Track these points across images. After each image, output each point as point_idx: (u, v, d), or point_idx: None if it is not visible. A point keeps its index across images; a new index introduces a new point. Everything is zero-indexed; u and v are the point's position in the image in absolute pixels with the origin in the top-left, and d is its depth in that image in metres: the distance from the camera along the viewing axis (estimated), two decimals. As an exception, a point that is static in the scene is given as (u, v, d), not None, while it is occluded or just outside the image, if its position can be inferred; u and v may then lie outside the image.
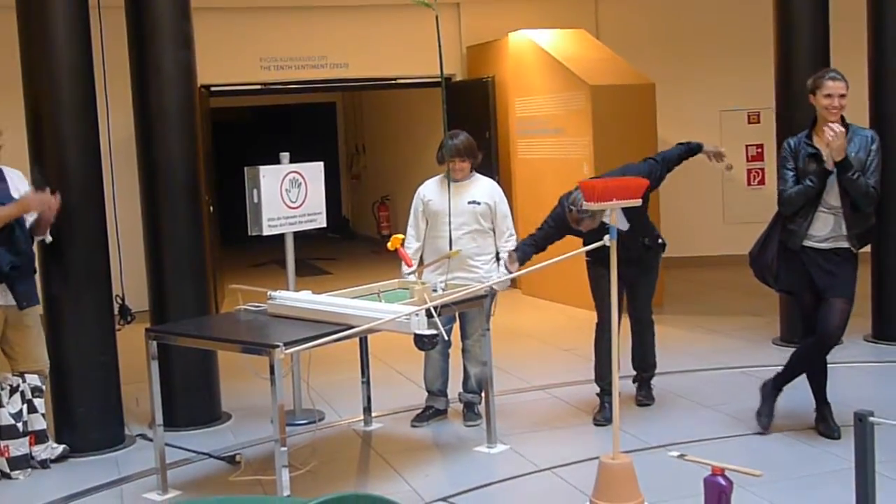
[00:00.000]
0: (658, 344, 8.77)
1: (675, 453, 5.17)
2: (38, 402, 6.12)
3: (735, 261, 12.31)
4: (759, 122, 12.37)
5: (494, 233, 6.58)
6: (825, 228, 5.94)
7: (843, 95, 5.89)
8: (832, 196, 5.91)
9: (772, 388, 6.29)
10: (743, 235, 12.25)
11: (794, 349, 6.62)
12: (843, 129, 5.78)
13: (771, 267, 6.14)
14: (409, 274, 6.29)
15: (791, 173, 5.99)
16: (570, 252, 5.50)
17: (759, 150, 12.50)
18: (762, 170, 12.54)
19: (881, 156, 5.97)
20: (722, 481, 4.55)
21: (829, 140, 5.76)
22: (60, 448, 6.26)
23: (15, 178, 6.20)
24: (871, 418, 4.81)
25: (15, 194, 6.10)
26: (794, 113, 8.25)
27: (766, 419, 6.23)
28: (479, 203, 6.52)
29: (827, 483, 5.31)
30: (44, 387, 6.18)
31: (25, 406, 6.04)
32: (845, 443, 5.38)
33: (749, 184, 12.72)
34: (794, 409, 6.57)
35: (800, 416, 6.42)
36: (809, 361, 6.17)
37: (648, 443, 6.07)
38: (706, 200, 12.66)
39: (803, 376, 6.21)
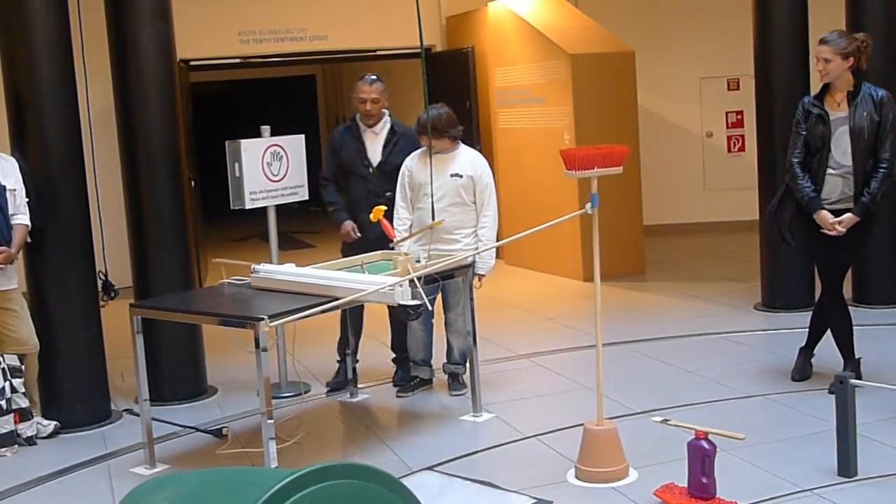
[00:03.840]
0: (640, 311, 8.88)
1: (659, 418, 5.22)
2: (17, 383, 6.11)
3: (716, 228, 12.45)
4: (738, 88, 12.39)
5: (476, 206, 6.57)
6: (834, 192, 6.03)
7: (827, 60, 5.95)
8: (839, 152, 5.99)
9: (803, 349, 6.57)
10: (723, 202, 12.44)
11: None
12: (840, 226, 5.94)
13: (790, 224, 6.19)
14: (398, 243, 6.29)
15: (802, 137, 6.09)
16: (550, 221, 5.51)
17: (739, 116, 12.54)
18: (742, 136, 12.58)
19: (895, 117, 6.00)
20: (705, 445, 4.61)
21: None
22: (52, 425, 6.27)
23: (7, 165, 6.17)
24: (852, 380, 4.89)
25: (3, 181, 6.08)
26: (773, 79, 8.30)
27: (796, 373, 6.50)
28: (461, 176, 6.49)
29: (809, 445, 5.37)
30: (22, 367, 6.17)
31: (7, 384, 6.04)
32: (827, 405, 5.44)
33: (729, 151, 12.76)
34: (777, 373, 6.64)
35: (781, 379, 6.49)
36: (823, 318, 6.42)
37: (632, 409, 6.12)
38: (686, 168, 12.70)
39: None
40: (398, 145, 6.74)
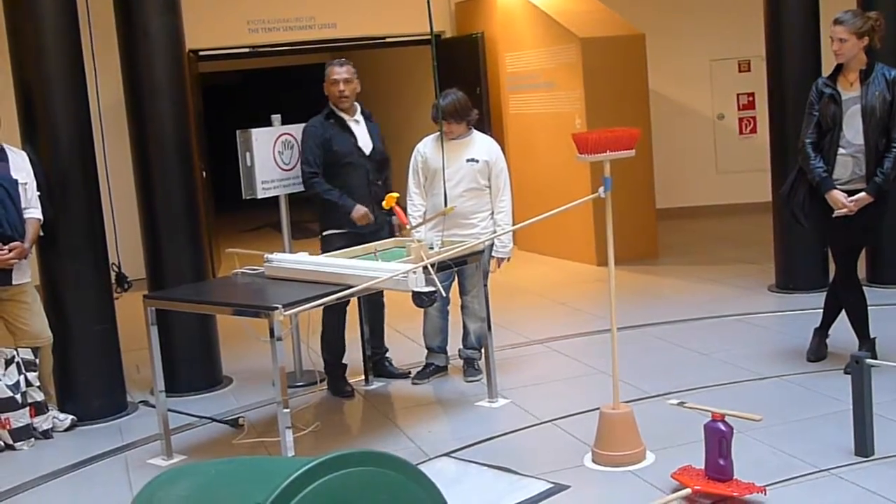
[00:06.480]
0: (654, 294, 8.87)
1: (675, 401, 5.22)
2: (31, 376, 6.13)
3: (729, 210, 12.42)
4: (749, 70, 12.34)
5: (491, 190, 6.58)
6: (845, 172, 6.02)
7: (842, 40, 5.94)
8: (852, 132, 5.98)
9: (818, 330, 6.55)
10: (736, 185, 12.40)
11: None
12: (853, 205, 5.91)
13: (803, 206, 6.18)
14: (414, 229, 6.27)
15: (814, 118, 6.08)
16: (564, 206, 5.49)
17: (751, 98, 12.49)
18: (754, 118, 12.53)
19: None
20: (722, 427, 4.60)
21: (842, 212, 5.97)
22: (69, 420, 6.29)
23: (18, 158, 6.18)
24: (868, 360, 4.87)
25: (15, 174, 6.08)
26: (785, 60, 8.26)
27: (811, 354, 6.49)
28: (477, 161, 6.50)
29: (826, 425, 5.35)
30: (37, 360, 6.19)
31: (22, 378, 6.06)
32: (843, 385, 5.42)
33: (741, 133, 12.71)
34: (792, 354, 6.63)
35: (797, 360, 6.47)
36: (837, 299, 6.40)
37: (648, 392, 6.11)
38: (698, 150, 12.66)
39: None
40: (375, 132, 6.71)
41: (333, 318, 6.62)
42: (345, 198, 6.47)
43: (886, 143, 5.93)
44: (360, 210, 6.44)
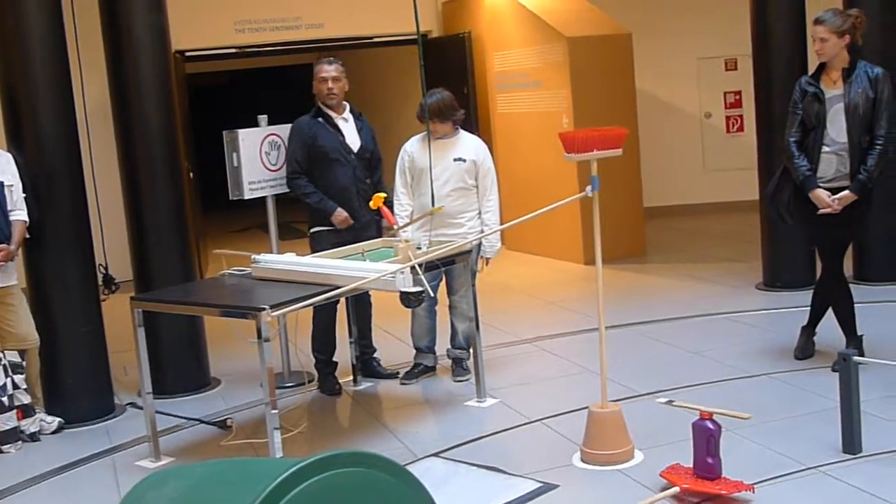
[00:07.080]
0: (642, 293, 8.88)
1: (663, 400, 5.23)
2: (18, 379, 6.10)
3: (716, 208, 12.45)
4: (736, 69, 12.37)
5: (478, 190, 6.57)
6: (829, 170, 6.02)
7: (823, 39, 5.95)
8: (835, 130, 5.99)
9: (805, 328, 6.56)
10: (723, 183, 12.43)
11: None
12: (837, 203, 5.93)
13: (788, 205, 6.19)
14: (401, 229, 6.27)
15: (798, 116, 6.09)
16: (551, 205, 5.49)
17: (737, 96, 12.51)
18: (741, 117, 12.55)
19: (890, 94, 5.97)
20: (710, 425, 4.60)
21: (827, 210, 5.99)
22: (56, 422, 6.26)
23: (3, 160, 6.15)
24: (855, 358, 4.89)
25: (0, 177, 6.06)
26: (771, 58, 8.28)
27: (798, 352, 6.50)
28: (464, 160, 6.50)
29: (814, 423, 5.36)
30: (23, 363, 6.16)
31: (9, 381, 6.03)
32: (830, 383, 5.43)
33: (728, 131, 12.73)
34: (779, 352, 6.64)
35: (784, 358, 6.48)
36: (824, 297, 6.41)
37: (636, 391, 6.11)
38: (686, 149, 12.68)
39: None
40: (364, 131, 6.71)
41: (324, 315, 6.63)
42: (325, 200, 6.51)
43: (870, 141, 5.94)
44: (339, 214, 6.48)
